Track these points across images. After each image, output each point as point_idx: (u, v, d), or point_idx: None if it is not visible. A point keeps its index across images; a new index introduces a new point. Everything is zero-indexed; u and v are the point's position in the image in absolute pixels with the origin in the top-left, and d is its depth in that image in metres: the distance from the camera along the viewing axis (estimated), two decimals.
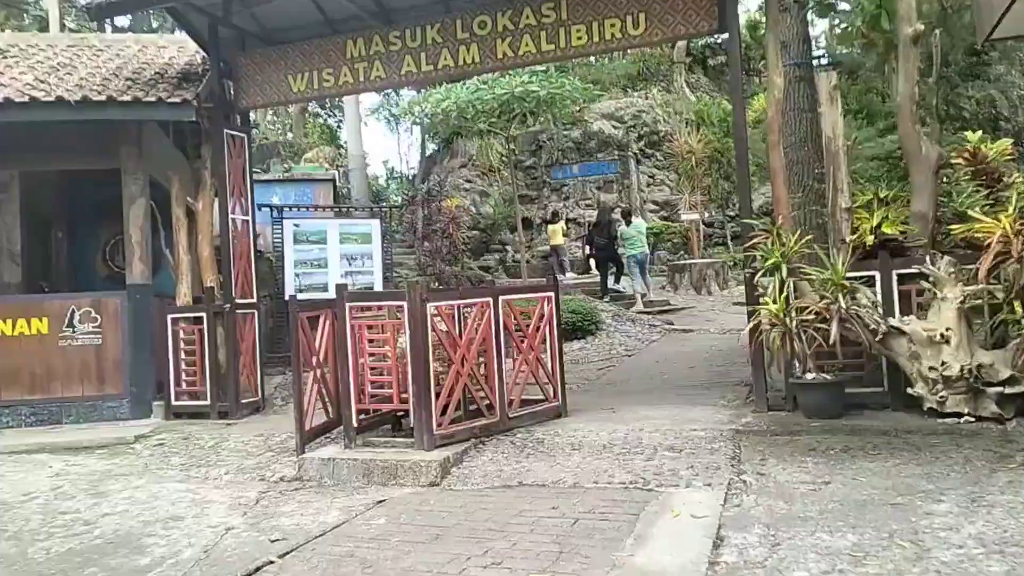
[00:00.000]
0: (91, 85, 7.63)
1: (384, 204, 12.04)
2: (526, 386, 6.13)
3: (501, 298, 5.84)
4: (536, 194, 22.76)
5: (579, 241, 20.32)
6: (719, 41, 30.32)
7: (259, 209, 11.83)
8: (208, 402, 7.62)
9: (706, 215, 17.34)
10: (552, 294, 6.34)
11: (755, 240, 5.86)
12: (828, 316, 5.18)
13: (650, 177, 22.62)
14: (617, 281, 16.13)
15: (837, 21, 10.17)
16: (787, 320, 5.21)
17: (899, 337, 5.25)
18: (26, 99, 7.13)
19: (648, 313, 13.09)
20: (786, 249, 5.48)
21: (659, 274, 17.03)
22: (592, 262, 16.77)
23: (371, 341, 5.65)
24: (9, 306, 7.78)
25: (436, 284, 13.29)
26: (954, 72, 14.37)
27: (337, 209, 12.76)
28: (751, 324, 5.67)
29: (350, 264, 11.92)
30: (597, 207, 19.13)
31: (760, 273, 5.62)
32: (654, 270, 16.72)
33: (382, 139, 67.95)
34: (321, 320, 5.98)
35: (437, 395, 5.35)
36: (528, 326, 6.13)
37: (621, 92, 23.57)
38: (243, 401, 7.68)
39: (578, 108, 16.44)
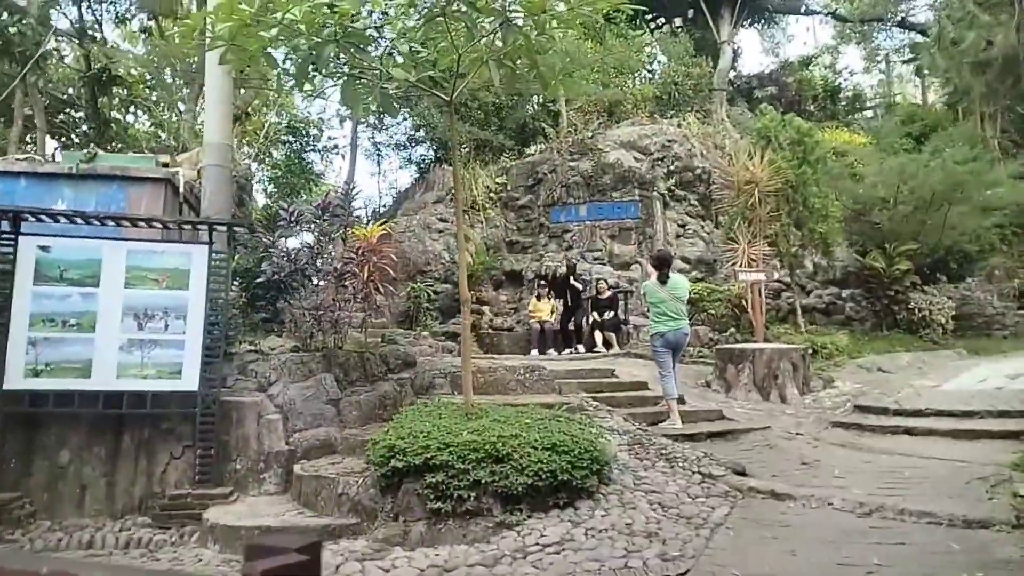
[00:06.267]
0: None
1: (225, 221, 6.51)
2: None
3: None
4: (530, 241, 17.40)
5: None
6: (768, 71, 25.52)
7: None
8: None
9: (775, 276, 11.72)
10: None
11: None
12: None
13: (680, 226, 17.19)
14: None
15: None
16: None
17: None
18: None
19: (690, 438, 7.44)
20: None
21: (698, 360, 11.41)
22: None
23: None
24: None
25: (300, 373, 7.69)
26: None
27: (156, 225, 7.27)
28: None
29: (141, 326, 6.37)
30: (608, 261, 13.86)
31: None
32: (690, 354, 11.16)
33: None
34: None
35: None
36: None
37: (647, 118, 18.34)
38: None
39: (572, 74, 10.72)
